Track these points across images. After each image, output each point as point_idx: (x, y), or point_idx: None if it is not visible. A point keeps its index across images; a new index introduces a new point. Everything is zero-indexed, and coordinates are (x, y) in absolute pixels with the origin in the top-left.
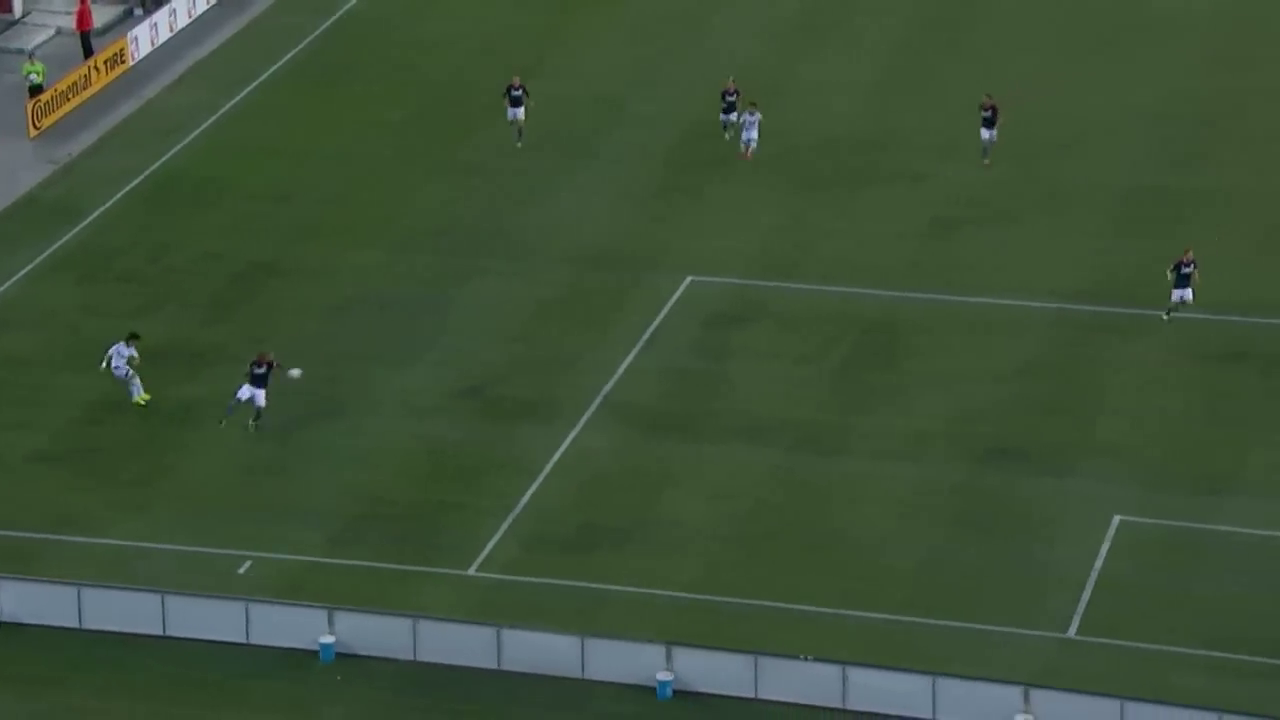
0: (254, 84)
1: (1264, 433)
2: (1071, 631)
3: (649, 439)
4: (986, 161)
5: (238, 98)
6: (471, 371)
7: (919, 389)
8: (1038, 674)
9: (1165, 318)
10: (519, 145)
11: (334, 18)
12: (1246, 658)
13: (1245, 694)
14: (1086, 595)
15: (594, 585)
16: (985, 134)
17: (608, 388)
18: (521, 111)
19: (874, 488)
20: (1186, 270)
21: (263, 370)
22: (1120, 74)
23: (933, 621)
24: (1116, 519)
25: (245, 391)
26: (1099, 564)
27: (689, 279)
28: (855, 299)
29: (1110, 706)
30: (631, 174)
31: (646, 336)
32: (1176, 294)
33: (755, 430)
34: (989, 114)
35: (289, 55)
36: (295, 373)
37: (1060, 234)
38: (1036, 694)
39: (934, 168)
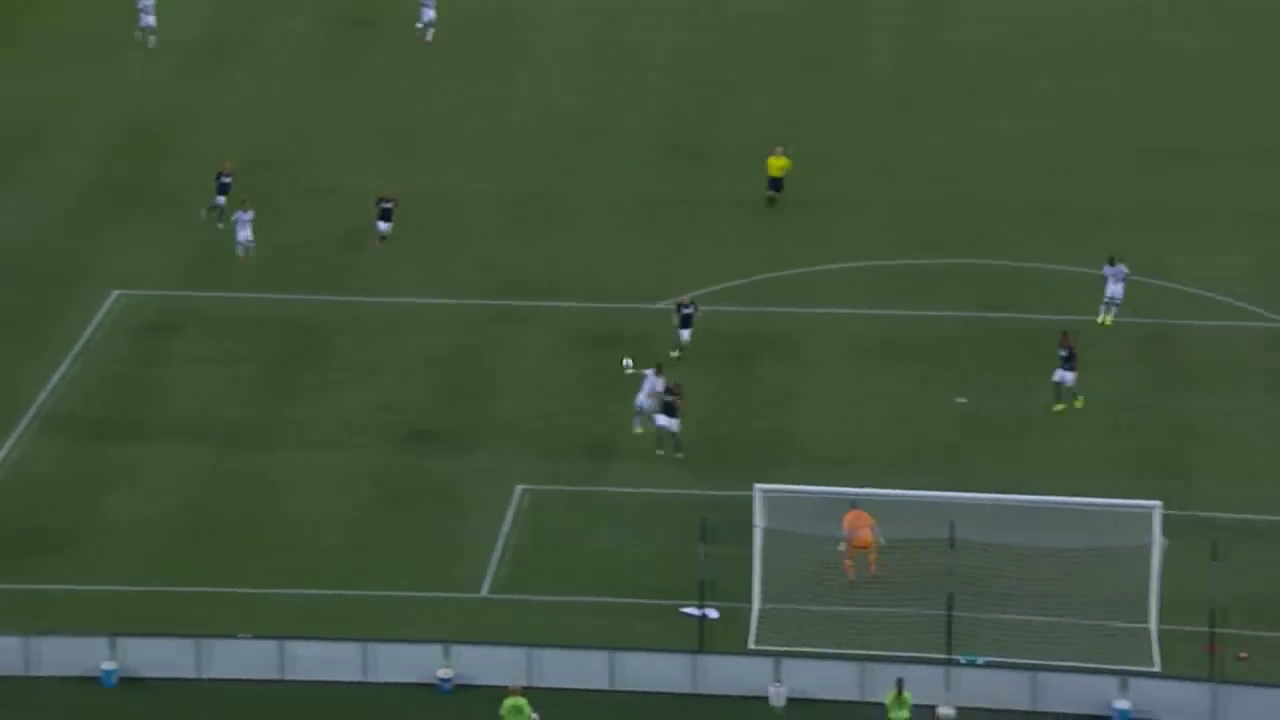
0: None
1: (629, 404)
2: (485, 590)
3: (86, 445)
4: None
5: None
6: None
7: (342, 383)
8: (458, 631)
9: None
10: None
11: None
12: (634, 600)
13: (636, 632)
14: (496, 557)
15: (39, 587)
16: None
17: (41, 398)
18: None
19: (304, 475)
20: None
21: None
22: (496, 95)
23: (363, 593)
24: (519, 488)
25: None
26: (505, 529)
27: (116, 293)
28: (278, 304)
29: (519, 654)
30: (55, 197)
31: (77, 349)
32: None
33: (189, 430)
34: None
35: None
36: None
37: (457, 237)
38: (457, 649)
39: (341, 180)
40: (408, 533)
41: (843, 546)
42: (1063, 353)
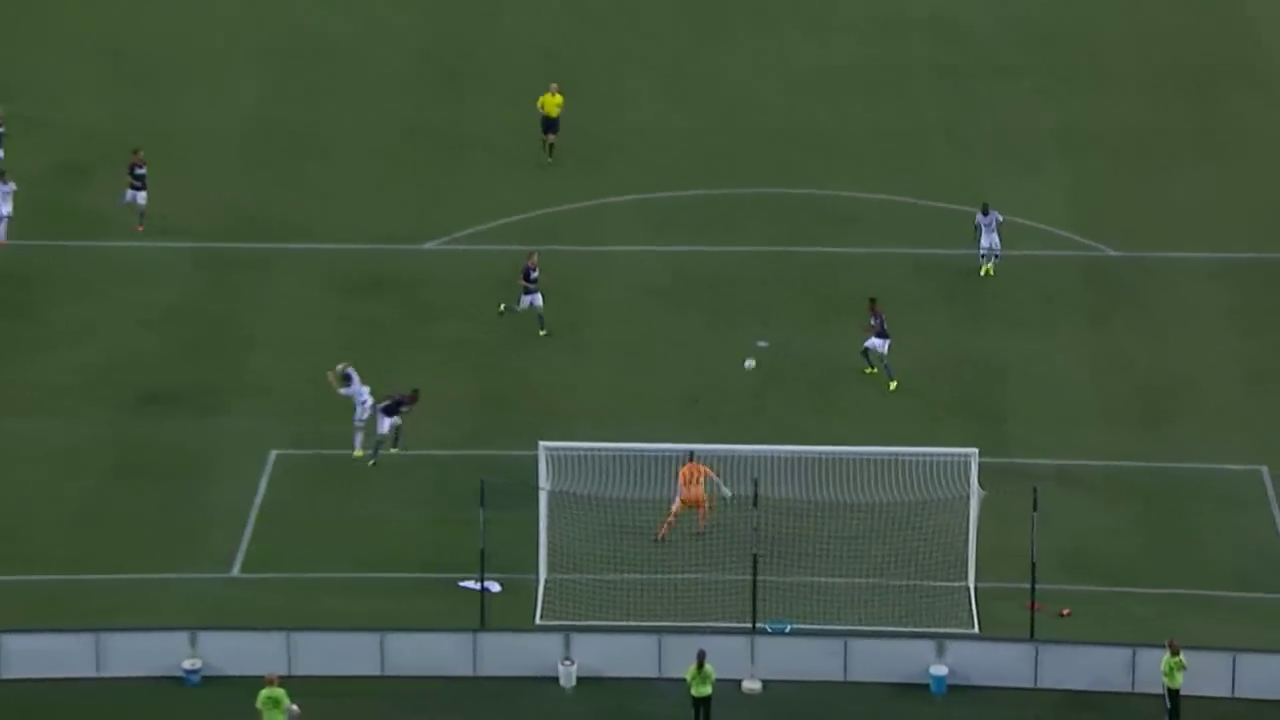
0: None
1: (409, 356)
2: (235, 570)
3: None
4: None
5: None
6: None
7: (63, 342)
8: (206, 615)
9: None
10: None
11: None
12: (405, 575)
13: (408, 610)
14: (248, 531)
15: None
16: None
17: None
18: None
19: (21, 446)
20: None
21: None
22: (237, 12)
23: (95, 576)
24: (273, 454)
25: None
26: (258, 500)
27: None
28: None
29: (276, 640)
30: None
31: None
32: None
33: None
34: None
35: None
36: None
37: (193, 173)
38: (205, 636)
39: (51, 112)
40: (147, 508)
41: (676, 504)
42: (873, 321)
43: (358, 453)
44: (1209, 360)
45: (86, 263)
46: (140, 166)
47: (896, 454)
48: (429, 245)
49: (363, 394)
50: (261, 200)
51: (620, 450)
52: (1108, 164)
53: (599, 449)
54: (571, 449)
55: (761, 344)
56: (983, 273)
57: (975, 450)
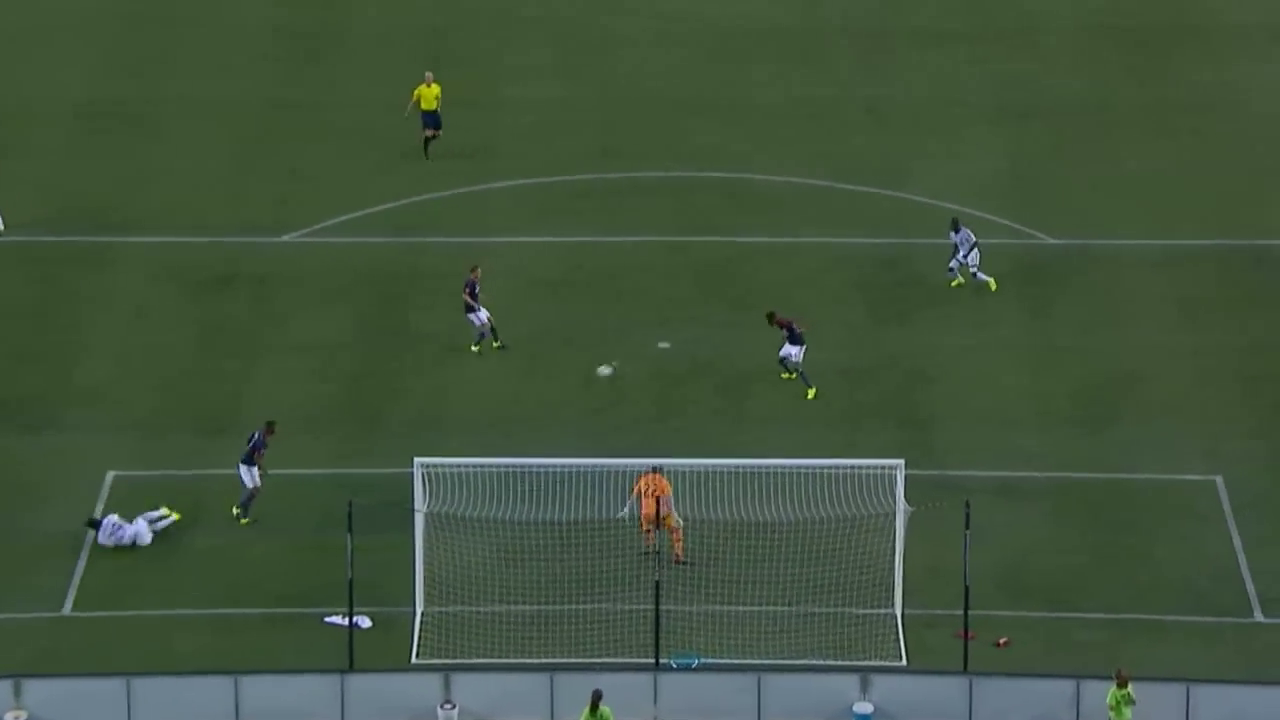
0: None
1: (263, 360)
2: (66, 607)
3: None
4: None
5: None
6: None
7: None
8: (32, 660)
9: None
10: None
11: None
12: (261, 610)
13: (265, 648)
14: (81, 564)
15: None
16: None
17: None
18: None
19: None
20: None
21: None
22: None
23: None
24: (110, 474)
25: None
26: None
27: None
28: None
29: (114, 686)
30: None
31: None
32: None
33: None
34: None
35: None
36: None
37: (11, 156)
38: (30, 684)
39: None
40: None
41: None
42: (783, 331)
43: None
44: (1158, 357)
45: None
46: None
47: (814, 466)
48: (287, 237)
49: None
50: (93, 187)
51: (506, 466)
52: (1044, 140)
53: (482, 464)
54: (451, 465)
55: (663, 344)
56: (952, 284)
57: (901, 461)
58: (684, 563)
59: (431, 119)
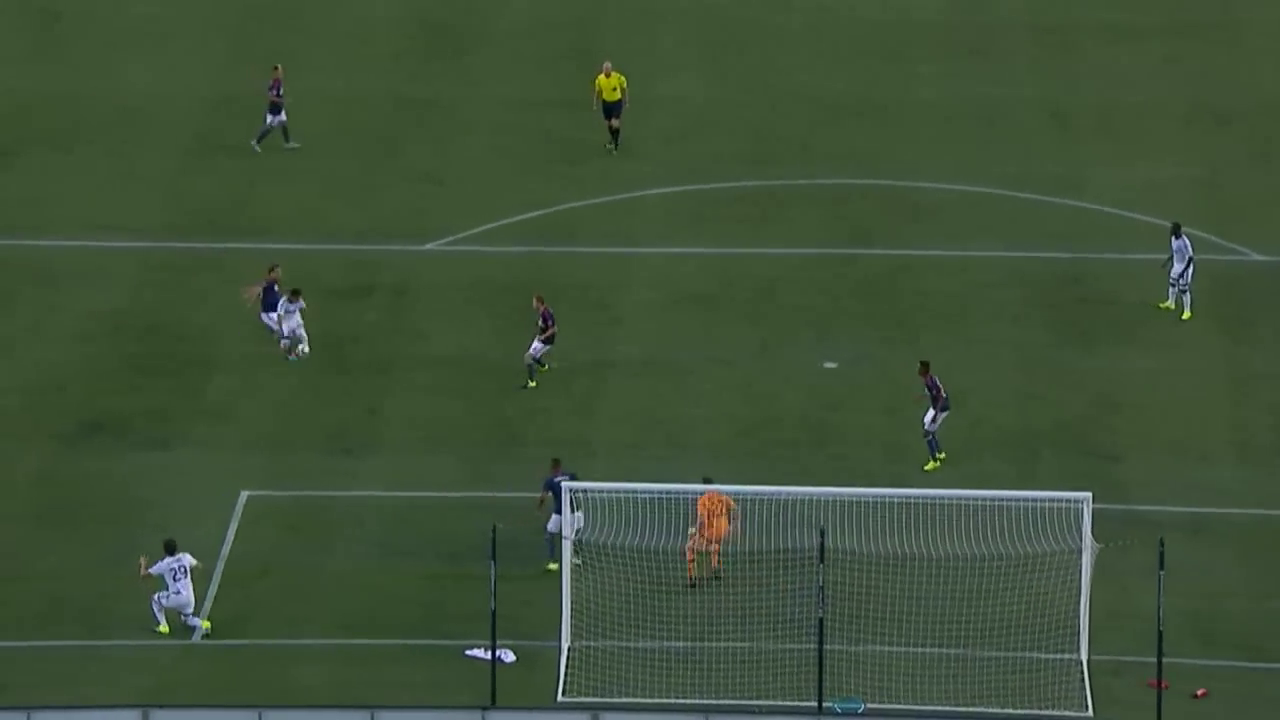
0: None
1: (398, 374)
2: (195, 636)
3: None
4: None
5: None
6: None
7: None
8: (157, 692)
9: None
10: None
11: None
12: (397, 641)
13: (401, 682)
14: (212, 590)
15: None
16: None
17: None
18: None
19: None
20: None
21: None
22: None
23: (13, 644)
24: (244, 494)
25: None
26: (226, 551)
27: None
28: None
29: (245, 718)
30: None
31: None
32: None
33: None
34: None
35: None
36: None
37: (132, 160)
38: (157, 716)
39: None
40: (82, 560)
41: (692, 539)
42: (929, 392)
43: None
44: None
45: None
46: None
47: (991, 499)
48: (429, 246)
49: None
50: (215, 192)
51: (658, 492)
52: (1247, 145)
53: (632, 490)
54: (600, 490)
55: (829, 364)
56: (1165, 305)
57: (1088, 495)
58: (718, 572)
59: (614, 109)
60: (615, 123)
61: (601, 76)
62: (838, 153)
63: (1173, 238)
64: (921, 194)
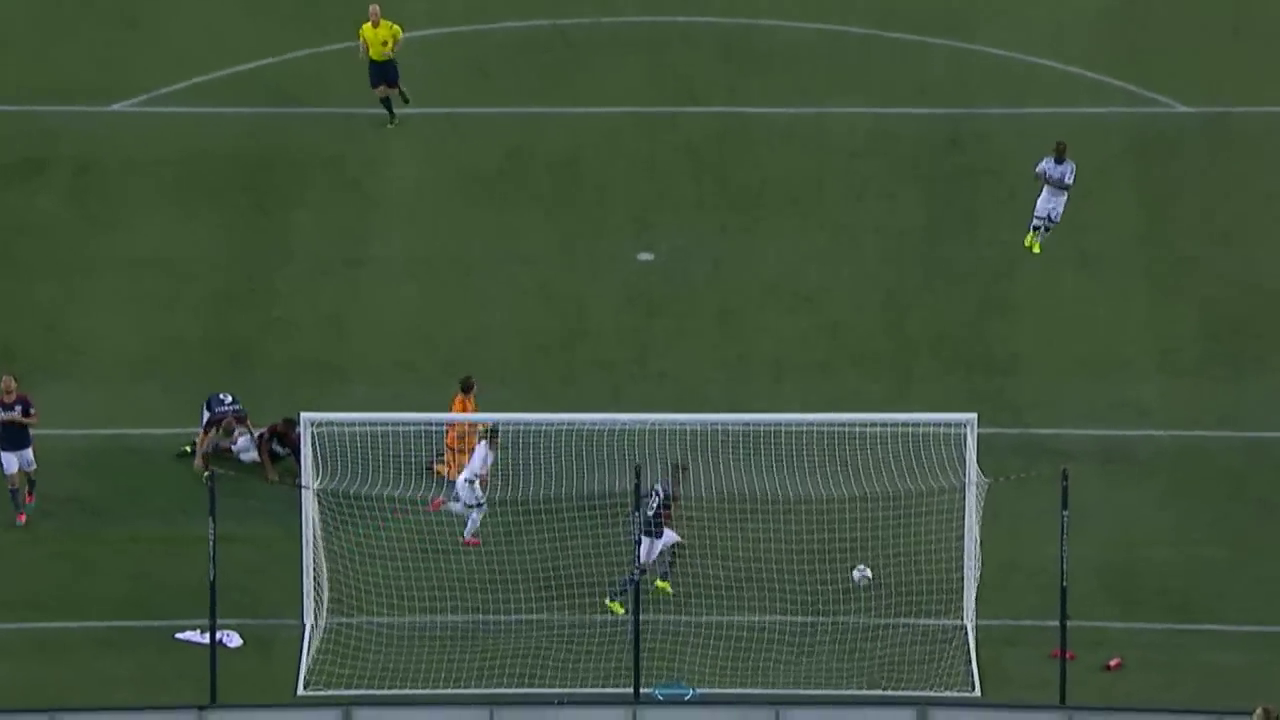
0: None
1: (87, 280)
2: None
3: None
4: None
5: None
6: None
7: None
8: None
9: None
10: None
11: None
12: (73, 625)
13: (74, 678)
14: None
15: None
16: None
17: None
18: None
19: None
20: None
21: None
22: None
23: None
24: None
25: None
26: None
27: None
28: None
29: None
30: None
31: None
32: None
33: None
34: None
35: None
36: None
37: None
38: None
39: None
40: None
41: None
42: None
43: None
44: None
45: None
46: None
47: (853, 423)
48: (116, 107)
49: None
50: None
51: (424, 423)
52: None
53: (395, 421)
54: (354, 422)
55: (644, 256)
56: (1027, 244)
57: (973, 416)
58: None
59: (386, 72)
60: (386, 89)
61: (368, 26)
62: None
63: (1053, 161)
64: (762, 35)
